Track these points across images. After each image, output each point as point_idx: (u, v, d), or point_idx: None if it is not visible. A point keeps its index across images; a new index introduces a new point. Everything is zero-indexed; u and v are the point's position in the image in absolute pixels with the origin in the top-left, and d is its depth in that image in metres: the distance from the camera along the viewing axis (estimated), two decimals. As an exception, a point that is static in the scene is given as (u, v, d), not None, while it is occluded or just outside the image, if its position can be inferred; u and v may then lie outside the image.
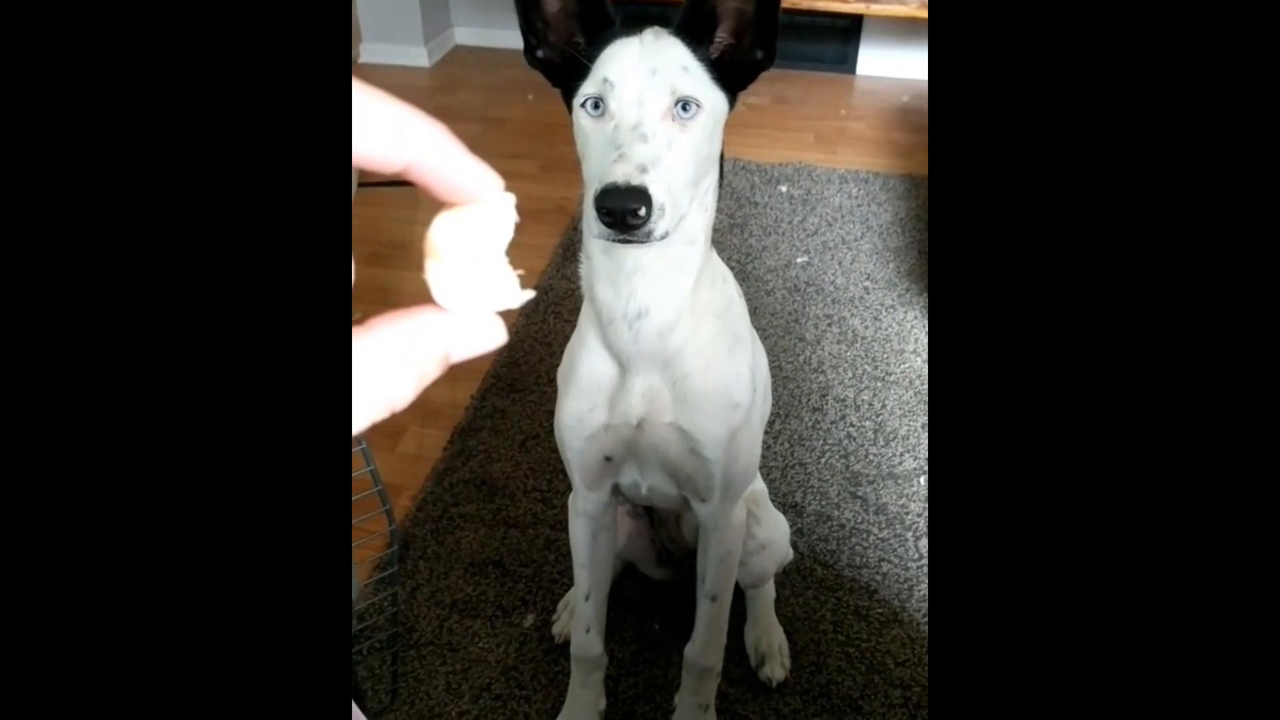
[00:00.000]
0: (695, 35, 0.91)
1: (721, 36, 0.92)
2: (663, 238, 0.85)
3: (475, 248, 0.30)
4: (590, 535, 1.21)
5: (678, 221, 0.87)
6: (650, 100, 0.87)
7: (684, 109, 0.87)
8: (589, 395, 1.04)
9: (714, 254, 1.03)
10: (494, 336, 0.31)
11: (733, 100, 0.95)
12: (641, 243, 0.85)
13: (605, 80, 0.87)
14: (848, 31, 3.59)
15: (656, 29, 0.91)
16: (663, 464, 1.07)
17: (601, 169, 0.84)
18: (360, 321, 0.29)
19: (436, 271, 0.30)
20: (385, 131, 0.28)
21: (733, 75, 0.93)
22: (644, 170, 0.82)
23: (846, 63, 3.66)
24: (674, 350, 0.99)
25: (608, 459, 1.08)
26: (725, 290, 1.05)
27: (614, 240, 0.86)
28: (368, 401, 0.28)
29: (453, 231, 0.30)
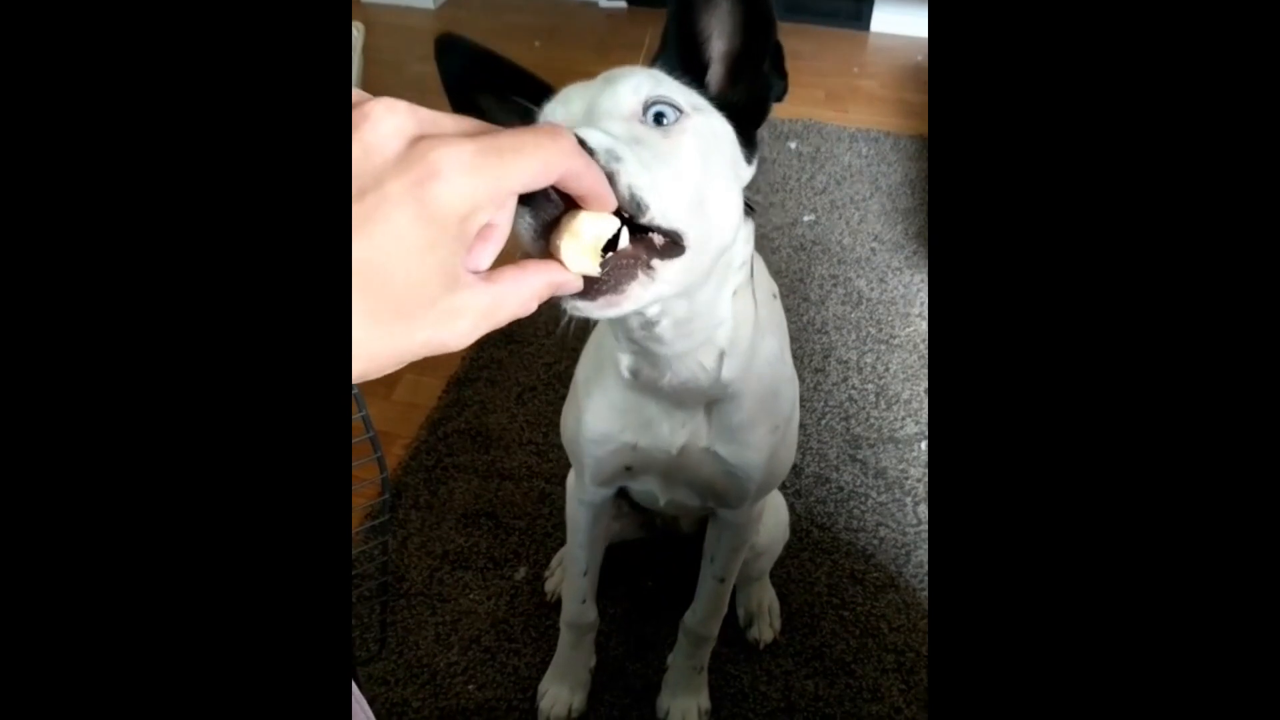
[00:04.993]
0: (686, 69, 0.69)
1: (712, 79, 0.71)
2: (676, 239, 0.58)
3: (593, 236, 0.49)
4: (592, 519, 1.16)
5: (708, 249, 0.63)
6: (605, 104, 0.62)
7: (658, 120, 0.61)
8: (621, 416, 0.92)
9: (758, 266, 0.85)
10: (577, 286, 0.51)
11: (748, 138, 0.71)
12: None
13: (543, 119, 0.65)
14: (863, -15, 3.52)
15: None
16: (691, 482, 0.98)
17: None
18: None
19: (570, 244, 0.48)
20: (557, 158, 0.41)
21: (738, 109, 0.71)
22: (615, 157, 0.53)
23: (860, 19, 3.58)
24: (717, 393, 0.85)
25: (628, 469, 0.99)
26: (766, 313, 0.87)
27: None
28: (513, 302, 0.44)
29: (590, 225, 0.48)
